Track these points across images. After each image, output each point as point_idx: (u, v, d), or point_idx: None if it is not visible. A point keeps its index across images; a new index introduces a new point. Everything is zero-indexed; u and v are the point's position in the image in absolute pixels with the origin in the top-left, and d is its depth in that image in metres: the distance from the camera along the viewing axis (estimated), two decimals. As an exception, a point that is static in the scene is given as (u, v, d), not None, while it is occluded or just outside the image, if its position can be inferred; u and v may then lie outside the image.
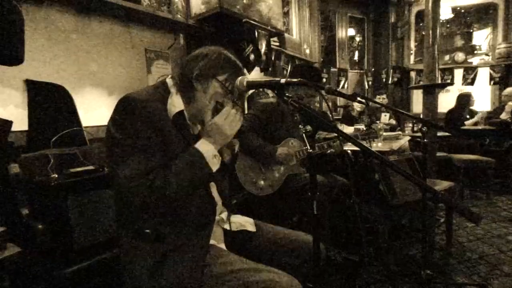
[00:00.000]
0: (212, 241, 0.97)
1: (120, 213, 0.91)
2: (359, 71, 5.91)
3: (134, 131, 0.80)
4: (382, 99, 4.60)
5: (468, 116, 4.12)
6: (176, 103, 0.91)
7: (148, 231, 0.85)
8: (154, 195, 0.78)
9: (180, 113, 0.91)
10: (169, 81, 0.96)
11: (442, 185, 2.20)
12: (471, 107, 4.23)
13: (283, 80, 0.81)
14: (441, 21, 4.36)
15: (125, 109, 0.82)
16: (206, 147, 0.87)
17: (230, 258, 0.92)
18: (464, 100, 4.14)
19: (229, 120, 0.89)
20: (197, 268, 0.85)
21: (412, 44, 5.80)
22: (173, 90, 0.93)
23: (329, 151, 1.89)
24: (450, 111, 4.17)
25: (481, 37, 5.84)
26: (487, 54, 5.57)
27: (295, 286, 0.85)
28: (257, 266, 0.88)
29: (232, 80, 0.93)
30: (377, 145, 2.36)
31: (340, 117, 4.63)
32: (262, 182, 1.87)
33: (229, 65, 0.95)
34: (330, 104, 1.19)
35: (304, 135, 1.90)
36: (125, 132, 0.81)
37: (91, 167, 1.38)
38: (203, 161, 0.85)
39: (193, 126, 0.99)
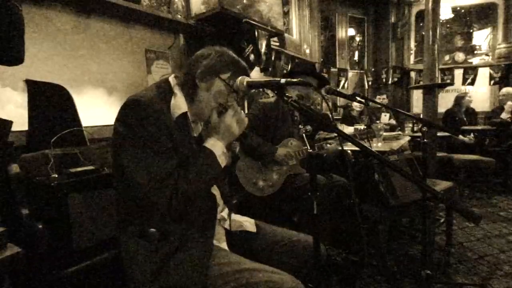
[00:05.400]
0: (214, 241, 0.97)
1: (122, 213, 0.91)
2: (359, 71, 5.92)
3: (148, 133, 0.80)
4: (382, 99, 4.61)
5: (463, 116, 4.11)
6: (180, 104, 0.91)
7: (152, 230, 0.85)
8: (179, 196, 0.79)
9: (184, 114, 0.91)
10: (171, 80, 0.96)
11: (442, 185, 2.20)
12: (467, 107, 4.22)
13: (283, 80, 0.81)
14: (441, 21, 4.35)
15: (134, 112, 0.82)
16: (216, 145, 0.89)
17: (233, 258, 0.92)
18: (458, 100, 4.13)
19: (236, 118, 0.91)
20: (200, 268, 0.85)
21: (412, 44, 5.80)
22: (176, 90, 0.93)
23: (324, 154, 1.89)
24: (447, 112, 4.17)
25: (481, 37, 5.84)
26: (487, 54, 5.57)
27: (297, 287, 0.85)
28: (260, 267, 0.88)
29: (236, 80, 0.93)
30: (377, 145, 2.36)
31: (340, 117, 4.64)
32: (262, 183, 1.87)
33: (232, 64, 0.95)
34: (330, 104, 1.19)
35: (304, 135, 1.90)
36: (138, 135, 0.80)
37: (91, 167, 1.37)
38: (216, 160, 0.87)
39: (194, 127, 0.99)
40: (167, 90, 0.93)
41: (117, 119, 0.85)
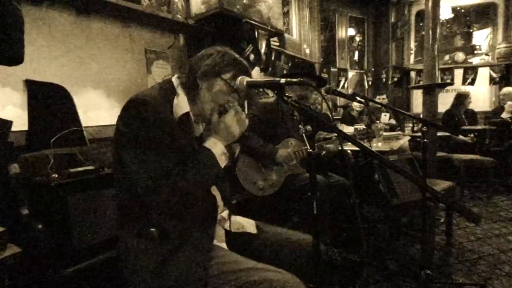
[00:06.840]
0: (214, 241, 0.97)
1: (122, 213, 0.92)
2: (359, 71, 5.91)
3: (148, 133, 0.81)
4: (382, 99, 4.60)
5: (463, 117, 4.10)
6: (182, 104, 0.91)
7: (152, 229, 0.86)
8: (177, 194, 0.80)
9: (186, 114, 0.91)
10: (175, 80, 0.97)
11: (442, 185, 2.20)
12: (467, 107, 4.21)
13: (283, 80, 0.81)
14: (441, 21, 4.35)
15: (137, 111, 0.82)
16: (215, 145, 0.89)
17: (233, 258, 0.92)
18: (459, 100, 4.11)
19: (237, 119, 0.92)
20: (201, 267, 0.85)
21: (412, 44, 5.80)
22: (179, 90, 0.94)
23: (323, 153, 1.90)
24: (446, 112, 4.15)
25: (481, 37, 5.84)
26: (487, 54, 5.57)
27: (298, 286, 0.85)
28: (260, 266, 0.88)
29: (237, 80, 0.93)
30: (377, 145, 2.36)
31: (340, 117, 4.63)
32: (262, 183, 1.87)
33: (234, 64, 0.95)
34: (330, 104, 1.20)
35: (304, 135, 1.90)
36: (140, 134, 0.81)
37: (91, 167, 1.37)
38: (215, 160, 0.87)
39: (196, 127, 0.99)
40: (170, 90, 0.93)
41: (119, 118, 0.86)
